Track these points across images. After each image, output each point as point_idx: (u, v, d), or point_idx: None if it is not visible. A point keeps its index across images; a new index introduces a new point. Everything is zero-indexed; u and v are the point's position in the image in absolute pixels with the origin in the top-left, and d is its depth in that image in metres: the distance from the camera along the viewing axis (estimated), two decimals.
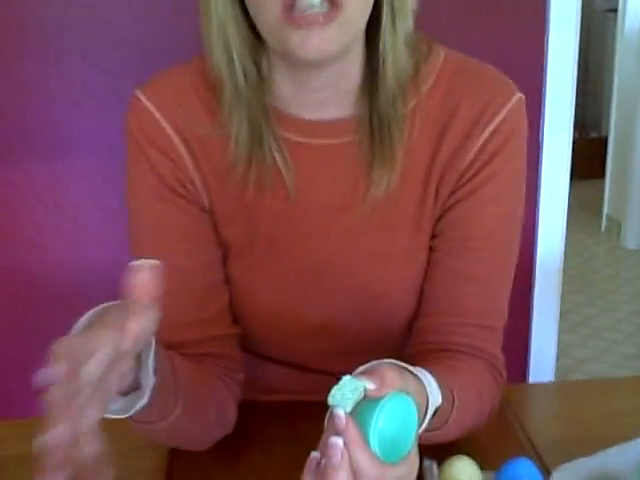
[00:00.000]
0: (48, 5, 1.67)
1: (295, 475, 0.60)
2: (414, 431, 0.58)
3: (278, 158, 0.82)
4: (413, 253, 0.87)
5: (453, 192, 0.84)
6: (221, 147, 0.82)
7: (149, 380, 0.63)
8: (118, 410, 0.63)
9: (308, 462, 0.58)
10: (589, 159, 5.18)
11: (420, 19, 0.82)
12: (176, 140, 0.82)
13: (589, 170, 5.12)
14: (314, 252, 0.86)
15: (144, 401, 0.64)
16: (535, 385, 1.11)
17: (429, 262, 0.87)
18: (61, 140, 1.78)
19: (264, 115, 0.81)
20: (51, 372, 0.48)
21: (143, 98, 0.83)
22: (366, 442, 0.55)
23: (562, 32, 1.82)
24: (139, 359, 0.63)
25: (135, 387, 0.64)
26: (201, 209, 0.85)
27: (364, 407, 0.56)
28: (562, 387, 1.14)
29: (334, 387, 0.56)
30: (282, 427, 0.92)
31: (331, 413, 0.56)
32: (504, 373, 0.88)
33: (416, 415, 0.58)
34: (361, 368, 0.62)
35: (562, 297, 3.29)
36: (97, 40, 1.71)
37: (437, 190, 0.84)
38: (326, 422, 0.58)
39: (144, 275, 0.55)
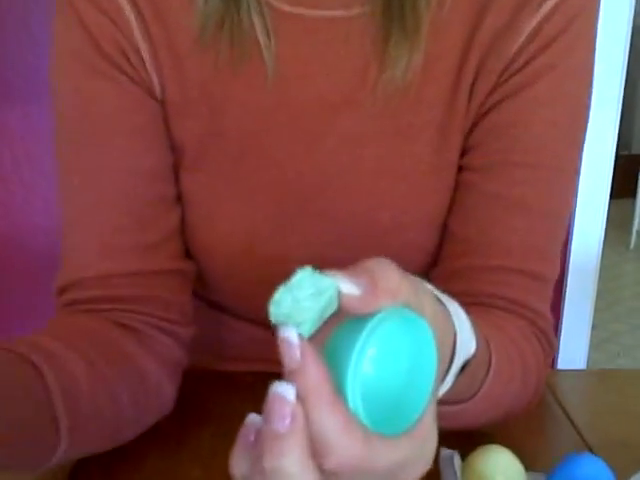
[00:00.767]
0: None
1: None
2: (430, 380, 0.35)
3: (258, 27, 0.60)
4: (436, 172, 0.63)
5: (495, 89, 0.61)
6: (182, 11, 0.60)
7: None
8: None
9: (242, 431, 0.35)
10: (619, 177, 4.99)
11: None
12: None
13: (619, 188, 4.92)
14: (300, 165, 0.63)
15: None
16: (578, 372, 0.86)
17: (458, 186, 0.64)
18: (36, 86, 1.60)
19: None
20: None
21: None
22: (341, 394, 0.32)
23: (610, 50, 1.64)
24: None
25: None
26: (148, 93, 0.62)
27: (341, 333, 0.33)
28: (608, 375, 0.89)
29: (280, 288, 0.33)
30: (250, 404, 0.68)
31: (277, 336, 0.33)
32: (554, 340, 0.64)
33: (434, 350, 0.34)
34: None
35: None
36: None
37: (473, 86, 0.62)
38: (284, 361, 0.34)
39: None
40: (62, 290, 0.62)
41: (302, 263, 0.64)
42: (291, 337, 0.32)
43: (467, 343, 0.43)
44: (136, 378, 0.58)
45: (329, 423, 0.31)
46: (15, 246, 1.71)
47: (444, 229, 0.65)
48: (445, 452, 0.51)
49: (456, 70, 0.61)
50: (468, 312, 0.46)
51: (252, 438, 0.34)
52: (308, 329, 0.32)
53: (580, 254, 1.87)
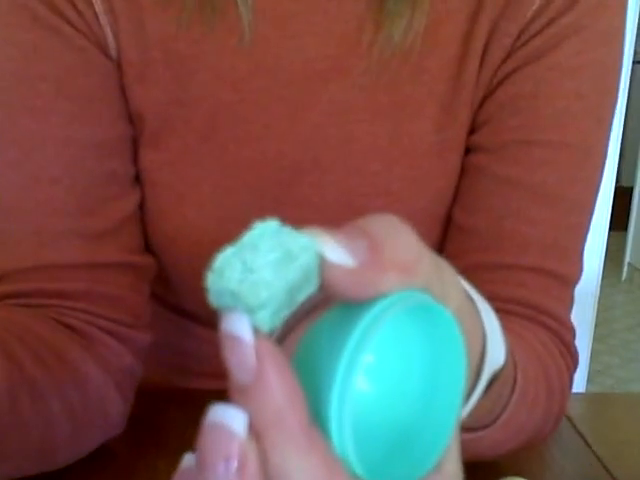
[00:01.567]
0: None
1: None
2: (455, 405, 0.23)
3: None
4: (439, 154, 0.54)
5: (510, 55, 0.52)
6: None
7: None
8: None
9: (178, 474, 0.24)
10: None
11: None
12: None
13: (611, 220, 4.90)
14: (281, 142, 0.54)
15: None
16: (599, 395, 0.77)
17: (466, 169, 0.55)
18: None
19: None
20: None
21: None
22: (320, 425, 0.21)
23: None
24: None
25: None
26: (101, 50, 0.52)
27: (321, 325, 0.22)
28: (625, 399, 0.79)
29: (226, 249, 0.21)
30: None
31: (220, 333, 0.21)
32: (576, 354, 0.54)
33: (463, 360, 0.23)
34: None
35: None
36: None
37: (485, 50, 0.53)
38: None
39: None
40: None
41: None
42: (241, 331, 0.20)
43: (497, 352, 0.33)
44: (72, 385, 0.48)
45: (299, 471, 0.20)
46: None
47: (448, 221, 0.55)
48: None
49: (465, 34, 0.52)
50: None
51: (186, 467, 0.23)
52: (269, 318, 0.20)
53: (578, 286, 1.79)
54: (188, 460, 0.23)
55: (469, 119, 0.54)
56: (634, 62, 1.75)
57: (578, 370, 1.36)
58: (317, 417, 0.21)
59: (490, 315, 0.33)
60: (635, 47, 1.71)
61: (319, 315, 0.22)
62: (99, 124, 0.52)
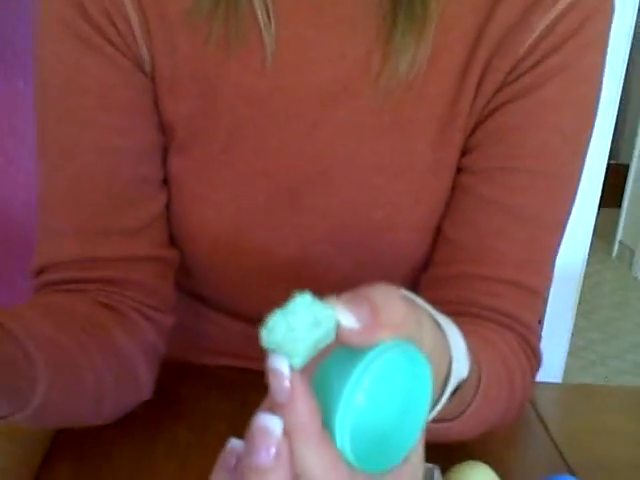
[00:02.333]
0: None
1: None
2: (421, 420, 0.33)
3: (259, 8, 0.57)
4: (434, 172, 0.61)
5: (502, 88, 0.59)
6: None
7: None
8: None
9: (223, 455, 0.33)
10: (605, 186, 4.99)
11: None
12: None
13: (604, 197, 4.92)
14: (294, 155, 0.61)
15: None
16: (561, 385, 0.84)
17: (456, 187, 0.62)
18: (19, 60, 1.58)
19: None
20: None
21: None
22: (328, 428, 0.30)
23: (609, 56, 1.66)
24: None
25: None
26: (138, 67, 0.59)
27: (333, 363, 0.31)
28: (590, 390, 0.88)
29: (275, 313, 0.30)
30: (225, 400, 0.66)
31: (267, 364, 0.30)
32: (540, 356, 0.63)
33: (429, 389, 0.32)
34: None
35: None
36: None
37: (480, 82, 0.59)
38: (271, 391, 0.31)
39: None
40: (39, 271, 0.60)
41: (288, 256, 0.62)
42: (282, 368, 0.29)
43: (461, 368, 0.41)
44: (116, 354, 0.56)
45: (314, 461, 0.30)
46: None
47: (438, 233, 0.63)
48: (426, 466, 0.49)
49: (463, 66, 0.59)
50: (461, 329, 0.44)
51: (233, 462, 0.32)
52: (300, 362, 0.29)
53: (565, 262, 1.87)
54: (232, 443, 0.33)
55: (462, 142, 0.61)
56: (633, 40, 1.79)
57: (559, 344, 1.47)
58: (327, 424, 0.30)
59: (457, 339, 0.41)
60: (635, 29, 1.75)
61: (329, 352, 0.30)
62: (135, 134, 0.59)
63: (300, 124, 0.60)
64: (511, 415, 0.58)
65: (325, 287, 0.57)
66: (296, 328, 0.29)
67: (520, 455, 0.62)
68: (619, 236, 4.30)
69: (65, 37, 0.57)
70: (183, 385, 0.67)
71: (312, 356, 0.30)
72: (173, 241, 0.64)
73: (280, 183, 0.61)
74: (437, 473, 0.48)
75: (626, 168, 4.41)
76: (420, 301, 0.38)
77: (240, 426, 0.35)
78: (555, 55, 0.57)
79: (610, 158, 5.62)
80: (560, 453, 0.63)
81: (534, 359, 0.61)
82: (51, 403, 0.48)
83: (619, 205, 4.36)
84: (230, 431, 0.49)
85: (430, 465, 0.48)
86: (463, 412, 0.47)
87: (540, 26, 0.57)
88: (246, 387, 0.64)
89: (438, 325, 0.39)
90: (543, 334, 1.75)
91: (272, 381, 0.29)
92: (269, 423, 0.29)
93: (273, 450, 0.29)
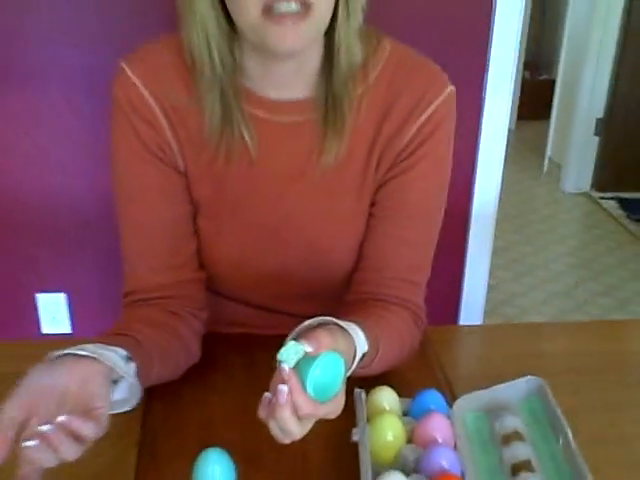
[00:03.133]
0: None
1: (250, 395, 0.77)
2: (341, 380, 0.75)
3: (245, 133, 0.96)
4: (355, 216, 1.03)
5: (391, 168, 1.00)
6: (196, 118, 0.96)
7: (131, 378, 0.83)
8: (120, 402, 0.85)
9: (262, 400, 0.74)
10: (538, 100, 5.35)
11: None
12: (157, 111, 0.96)
13: (538, 111, 5.29)
14: (272, 212, 1.02)
15: (137, 389, 0.86)
16: (455, 327, 1.29)
17: (367, 225, 1.03)
18: (33, 72, 1.89)
19: (235, 95, 0.95)
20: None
21: (129, 71, 0.96)
22: (304, 388, 0.72)
23: None
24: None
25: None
26: (176, 171, 0.99)
27: (304, 363, 0.72)
28: (477, 330, 1.34)
29: (282, 348, 0.71)
30: (241, 355, 1.09)
31: (279, 367, 0.72)
32: (425, 320, 1.06)
33: (343, 368, 0.75)
34: (304, 324, 0.80)
35: (500, 235, 3.55)
36: None
37: (378, 164, 1.00)
38: (276, 374, 0.74)
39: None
40: (127, 294, 1.01)
41: (273, 269, 1.04)
42: (285, 368, 0.71)
43: (362, 347, 0.83)
44: (180, 340, 1.00)
45: (299, 400, 0.72)
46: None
47: (360, 251, 1.04)
48: (356, 390, 0.92)
49: (367, 156, 0.99)
50: (370, 314, 0.87)
51: (268, 401, 0.74)
52: (292, 365, 0.72)
53: (483, 187, 2.22)
54: (266, 394, 0.74)
55: (370, 198, 1.02)
56: None
57: (479, 282, 1.91)
58: (303, 384, 0.72)
59: (358, 333, 0.83)
60: None
61: (303, 358, 0.73)
62: (178, 208, 1.00)
63: (274, 194, 1.01)
64: (404, 357, 1.01)
65: (295, 286, 1.02)
66: (290, 354, 0.71)
67: (414, 378, 1.05)
68: (549, 152, 4.61)
69: (133, 158, 0.97)
70: (214, 346, 1.09)
71: (297, 362, 0.72)
72: (202, 266, 1.06)
73: (264, 228, 1.03)
74: (363, 394, 0.92)
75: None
76: (340, 322, 0.80)
77: (250, 367, 0.82)
78: (421, 148, 0.98)
79: (545, 73, 5.92)
80: (445, 376, 1.07)
81: (420, 322, 1.04)
82: (157, 374, 0.91)
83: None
84: (246, 368, 0.94)
85: (359, 389, 0.92)
86: (372, 361, 0.90)
87: (412, 130, 0.97)
88: (252, 344, 1.08)
89: (346, 330, 0.81)
90: (466, 271, 2.17)
91: (282, 372, 0.71)
92: (283, 387, 0.71)
93: (285, 396, 0.71)
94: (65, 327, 2.15)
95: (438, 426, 0.87)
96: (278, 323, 1.03)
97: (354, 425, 0.88)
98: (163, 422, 0.96)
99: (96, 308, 2.12)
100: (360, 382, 0.91)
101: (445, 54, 1.93)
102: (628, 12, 3.94)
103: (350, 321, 0.84)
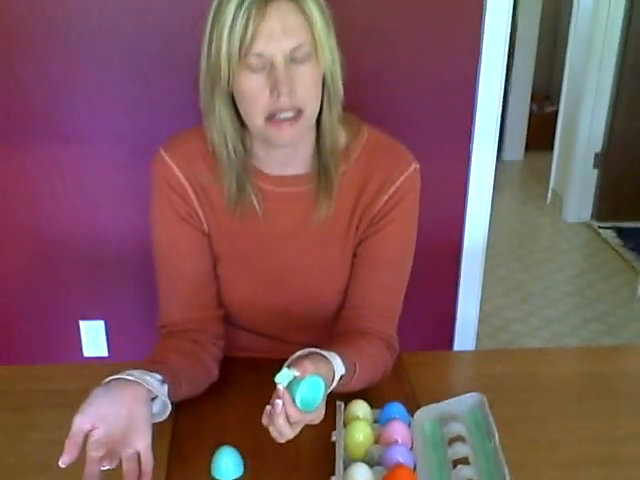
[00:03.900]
0: (72, 18, 2.06)
1: (257, 404, 1.03)
2: (321, 396, 1.00)
3: (255, 201, 1.24)
4: (341, 266, 1.30)
5: (367, 228, 1.27)
6: (218, 192, 1.24)
7: (164, 397, 1.09)
8: (156, 414, 1.09)
9: (265, 411, 1.00)
10: (546, 131, 5.54)
11: None
12: (188, 187, 1.25)
13: (545, 143, 5.49)
14: (275, 262, 1.30)
15: (168, 405, 1.11)
16: (426, 352, 1.53)
17: (350, 272, 1.31)
18: (82, 131, 2.20)
19: (246, 174, 1.23)
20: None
21: (165, 156, 1.25)
22: (294, 402, 0.96)
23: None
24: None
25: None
26: (202, 232, 1.28)
27: (294, 383, 0.98)
28: (443, 355, 1.61)
29: (278, 373, 0.96)
30: (250, 375, 1.36)
31: (276, 386, 0.96)
32: (397, 347, 1.33)
33: (323, 387, 1.00)
34: (296, 354, 1.05)
35: (501, 264, 3.80)
36: (113, 49, 2.10)
37: (357, 226, 1.28)
38: (274, 392, 0.99)
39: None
40: (162, 327, 1.29)
41: (276, 307, 1.34)
42: (280, 388, 0.96)
43: (340, 370, 1.09)
44: (203, 365, 1.27)
45: (290, 410, 0.97)
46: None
47: (344, 294, 1.32)
48: (337, 402, 1.19)
49: (349, 219, 1.27)
50: (350, 343, 1.15)
51: (269, 411, 1.00)
52: (285, 385, 0.97)
53: (473, 222, 2.42)
54: (267, 407, 1.01)
55: (353, 249, 1.29)
56: None
57: (470, 312, 2.23)
58: (293, 399, 0.99)
59: (336, 359, 1.09)
60: None
61: (294, 380, 0.99)
62: (203, 261, 1.28)
63: (277, 248, 1.29)
64: (378, 378, 1.27)
65: (294, 320, 1.33)
66: (284, 377, 0.98)
67: (387, 394, 1.31)
68: (552, 183, 4.81)
69: (167, 222, 1.26)
70: (229, 367, 1.36)
71: (289, 382, 0.98)
72: (221, 304, 1.34)
73: (270, 275, 1.30)
74: (342, 406, 1.19)
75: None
76: (323, 352, 1.07)
77: (257, 384, 1.09)
78: (390, 213, 1.25)
79: (549, 105, 6.07)
80: (412, 391, 1.34)
81: (393, 350, 1.31)
82: (184, 392, 1.19)
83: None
84: (254, 386, 1.24)
85: (339, 402, 1.19)
86: (351, 380, 1.16)
87: (383, 199, 1.25)
88: (259, 366, 1.33)
89: (327, 359, 1.07)
90: (459, 301, 2.44)
91: (278, 391, 0.97)
92: (278, 401, 0.97)
93: (280, 408, 0.97)
94: (103, 351, 2.43)
95: (398, 430, 1.14)
96: (280, 349, 1.26)
97: (334, 429, 1.16)
98: (189, 427, 1.24)
99: (130, 334, 2.40)
100: (341, 396, 1.19)
101: (432, 102, 2.22)
102: (624, 50, 4.14)
103: (332, 350, 1.10)
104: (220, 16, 1.08)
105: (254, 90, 1.11)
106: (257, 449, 1.15)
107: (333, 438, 1.13)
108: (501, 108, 2.30)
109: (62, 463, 0.92)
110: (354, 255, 1.30)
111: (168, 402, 1.11)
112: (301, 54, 1.09)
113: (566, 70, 4.66)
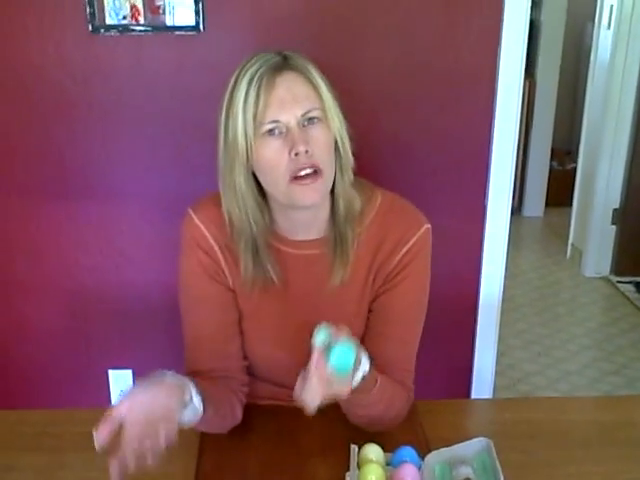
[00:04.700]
0: (108, 88, 2.20)
1: (277, 447, 1.11)
2: (351, 363, 1.08)
3: (272, 273, 1.33)
4: (356, 320, 1.39)
5: (382, 285, 1.36)
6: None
7: (199, 404, 1.18)
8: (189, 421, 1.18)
9: (301, 372, 1.08)
10: (565, 188, 5.59)
11: None
12: (215, 246, 1.35)
13: (564, 199, 5.54)
14: (296, 320, 1.38)
15: (200, 411, 1.20)
16: (439, 401, 1.61)
17: (366, 326, 1.40)
18: (114, 189, 2.33)
19: (264, 247, 1.32)
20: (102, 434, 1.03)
21: (195, 218, 1.35)
22: (327, 362, 1.06)
23: (511, 50, 2.21)
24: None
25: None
26: (227, 288, 1.37)
27: (329, 348, 1.08)
28: (456, 403, 1.68)
29: (316, 330, 1.07)
30: (270, 421, 1.44)
31: (314, 347, 1.06)
32: (412, 396, 1.41)
33: (353, 356, 1.07)
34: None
35: (521, 318, 3.85)
36: (145, 111, 2.23)
37: (373, 284, 1.37)
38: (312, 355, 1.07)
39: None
40: (189, 373, 1.38)
41: (296, 360, 1.43)
42: (320, 347, 1.06)
43: (365, 364, 1.17)
44: (229, 404, 1.35)
45: (323, 371, 1.05)
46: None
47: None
48: (352, 446, 1.27)
49: (365, 277, 1.36)
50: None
51: (301, 378, 1.09)
52: (322, 344, 1.07)
53: (488, 278, 2.48)
54: (302, 373, 1.12)
55: (368, 305, 1.38)
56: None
57: (487, 364, 2.32)
58: (327, 360, 1.09)
59: (364, 353, 1.18)
60: None
61: (330, 342, 1.09)
62: (229, 315, 1.38)
63: (297, 306, 1.37)
64: (391, 415, 1.33)
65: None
66: (320, 336, 1.08)
67: (401, 438, 1.38)
68: (571, 238, 4.86)
69: (197, 280, 1.36)
70: (251, 414, 1.44)
71: (326, 342, 1.08)
72: (245, 356, 1.43)
73: (290, 331, 1.38)
74: (356, 448, 1.26)
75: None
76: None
77: (277, 429, 1.24)
78: (404, 271, 1.34)
79: (570, 162, 6.07)
80: (425, 437, 1.41)
81: (408, 398, 1.38)
82: (207, 419, 1.26)
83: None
84: (274, 430, 1.35)
85: (353, 445, 1.27)
86: (373, 387, 1.22)
87: (397, 259, 1.34)
88: (278, 413, 1.43)
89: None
90: (475, 353, 2.51)
91: (317, 349, 1.07)
92: (314, 360, 1.07)
93: (314, 366, 1.06)
94: None
95: (409, 472, 1.21)
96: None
97: (349, 470, 1.23)
98: (212, 468, 1.33)
99: None
100: (355, 439, 1.26)
101: (448, 160, 2.30)
102: (639, 106, 4.20)
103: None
104: (235, 92, 1.21)
105: (274, 155, 1.21)
106: None
107: (347, 479, 1.21)
108: (520, 165, 2.36)
109: (97, 445, 1.02)
110: (369, 310, 1.39)
111: (200, 406, 1.20)
112: (313, 117, 1.21)
113: (584, 126, 4.71)
